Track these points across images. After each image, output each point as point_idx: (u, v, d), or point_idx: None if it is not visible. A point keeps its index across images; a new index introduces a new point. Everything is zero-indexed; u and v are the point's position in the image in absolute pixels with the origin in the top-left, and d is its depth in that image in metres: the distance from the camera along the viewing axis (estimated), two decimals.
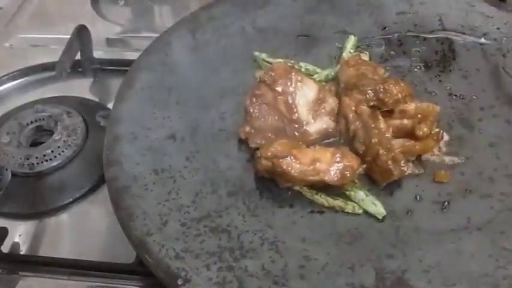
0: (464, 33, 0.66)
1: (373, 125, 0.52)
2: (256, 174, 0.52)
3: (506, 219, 0.48)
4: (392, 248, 0.46)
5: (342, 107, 0.55)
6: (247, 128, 0.55)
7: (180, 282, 0.44)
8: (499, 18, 0.67)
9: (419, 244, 0.47)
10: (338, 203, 0.50)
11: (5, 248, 0.57)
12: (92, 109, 0.70)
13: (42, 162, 0.63)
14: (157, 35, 0.68)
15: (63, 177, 0.63)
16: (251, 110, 0.55)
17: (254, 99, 0.55)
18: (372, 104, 0.53)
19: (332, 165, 0.50)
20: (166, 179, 0.52)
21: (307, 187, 0.51)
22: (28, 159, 0.63)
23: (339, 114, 0.56)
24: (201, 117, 0.58)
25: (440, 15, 0.68)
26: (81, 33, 0.75)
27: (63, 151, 0.64)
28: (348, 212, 0.49)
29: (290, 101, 0.55)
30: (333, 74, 0.61)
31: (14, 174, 0.61)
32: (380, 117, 0.53)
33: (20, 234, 0.60)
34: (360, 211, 0.49)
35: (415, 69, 0.63)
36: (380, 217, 0.49)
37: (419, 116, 0.53)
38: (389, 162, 0.50)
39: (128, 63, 0.67)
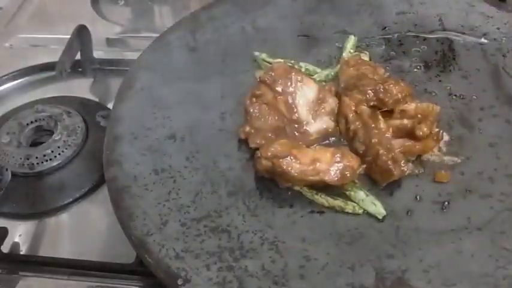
0: (464, 33, 0.66)
1: (373, 125, 0.52)
2: (256, 174, 0.52)
3: (506, 219, 0.48)
4: (392, 248, 0.46)
5: (342, 107, 0.55)
6: (247, 128, 0.55)
7: (180, 282, 0.44)
8: (499, 18, 0.67)
9: (419, 244, 0.47)
10: (338, 203, 0.50)
11: (5, 248, 0.57)
12: (92, 109, 0.70)
13: (42, 162, 0.63)
14: (157, 35, 0.68)
15: (63, 177, 0.63)
16: (251, 110, 0.55)
17: (254, 99, 0.55)
18: (372, 104, 0.53)
19: (332, 165, 0.50)
20: (166, 179, 0.52)
21: (307, 187, 0.51)
22: (28, 159, 0.63)
23: (339, 114, 0.56)
24: (201, 117, 0.58)
25: (440, 15, 0.68)
26: (81, 33, 0.75)
27: (63, 151, 0.64)
28: (348, 212, 0.49)
29: (290, 101, 0.55)
30: (333, 74, 0.61)
31: (14, 174, 0.61)
32: (380, 117, 0.53)
33: (20, 234, 0.60)
34: (360, 211, 0.49)
35: (415, 69, 0.63)
36: (380, 217, 0.49)
37: (419, 116, 0.53)
38: (389, 162, 0.50)
39: (128, 63, 0.67)
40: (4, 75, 0.78)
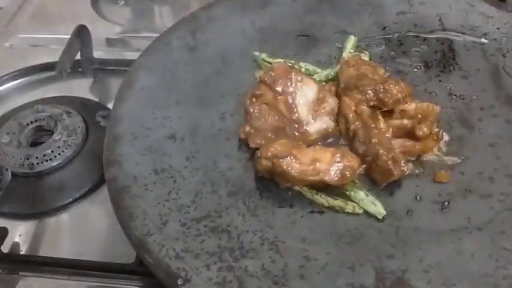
0: (464, 33, 0.66)
1: (373, 125, 0.52)
2: (256, 174, 0.52)
3: (506, 219, 0.48)
4: (392, 248, 0.46)
5: (342, 107, 0.55)
6: (247, 128, 0.55)
7: (180, 282, 0.44)
8: (499, 18, 0.67)
9: (419, 244, 0.47)
10: (338, 203, 0.50)
11: (5, 248, 0.57)
12: (92, 109, 0.70)
13: (42, 162, 0.63)
14: (157, 35, 0.68)
15: (63, 177, 0.63)
16: (251, 110, 0.55)
17: (254, 99, 0.55)
18: (372, 104, 0.53)
19: (332, 165, 0.50)
20: (166, 179, 0.52)
21: (307, 187, 0.51)
22: (28, 159, 0.63)
23: (339, 114, 0.56)
24: (201, 117, 0.58)
25: (440, 15, 0.68)
26: (81, 33, 0.75)
27: (63, 151, 0.64)
28: (348, 212, 0.49)
29: (290, 101, 0.55)
30: (333, 74, 0.61)
31: (14, 174, 0.61)
32: (380, 117, 0.53)
33: (20, 234, 0.60)
34: (360, 211, 0.49)
35: (415, 69, 0.63)
36: (380, 217, 0.49)
37: (419, 116, 0.53)
38: (390, 162, 0.50)
39: (128, 63, 0.67)
40: (4, 75, 0.78)
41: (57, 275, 0.55)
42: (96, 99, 0.74)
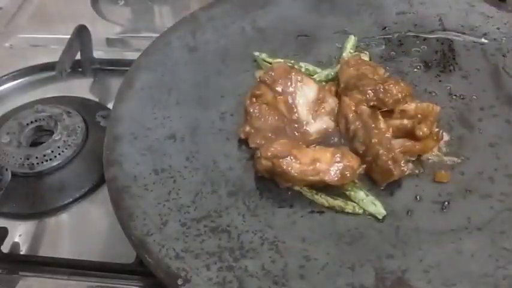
0: (464, 33, 0.66)
1: (373, 125, 0.52)
2: (256, 174, 0.52)
3: (506, 219, 0.48)
4: (392, 248, 0.46)
5: (342, 107, 0.55)
6: (247, 128, 0.55)
7: (180, 282, 0.44)
8: (499, 18, 0.67)
9: (419, 244, 0.47)
10: (338, 203, 0.50)
11: (5, 248, 0.57)
12: (92, 109, 0.70)
13: (42, 162, 0.63)
14: (157, 35, 0.68)
15: (63, 177, 0.63)
16: (251, 110, 0.55)
17: (254, 99, 0.55)
18: (372, 104, 0.53)
19: (332, 165, 0.50)
20: (166, 179, 0.52)
21: (307, 187, 0.51)
22: (28, 159, 0.63)
23: (339, 114, 0.56)
24: (201, 117, 0.58)
25: (440, 15, 0.68)
26: (81, 33, 0.75)
27: (63, 151, 0.64)
28: (348, 212, 0.49)
29: (290, 101, 0.55)
30: (333, 74, 0.61)
31: (14, 174, 0.61)
32: (380, 117, 0.53)
33: (20, 234, 0.60)
34: (360, 211, 0.49)
35: (415, 69, 0.63)
36: (380, 217, 0.49)
37: (419, 116, 0.53)
38: (390, 162, 0.50)
39: (128, 63, 0.67)
40: (4, 75, 0.78)
41: (57, 275, 0.55)
42: (96, 99, 0.74)
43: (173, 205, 0.50)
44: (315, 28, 0.68)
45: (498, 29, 0.65)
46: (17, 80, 0.78)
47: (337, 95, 0.57)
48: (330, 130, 0.55)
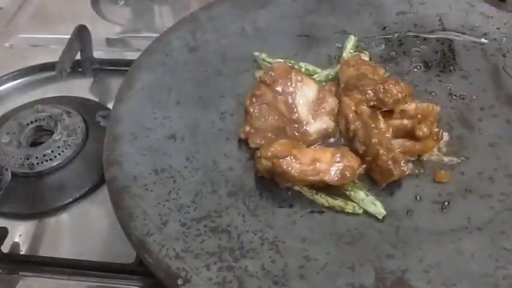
0: (464, 33, 0.66)
1: (373, 125, 0.52)
2: (256, 174, 0.52)
3: (506, 219, 0.48)
4: (392, 248, 0.46)
5: (342, 107, 0.55)
6: (247, 128, 0.55)
7: (180, 282, 0.44)
8: (499, 18, 0.67)
9: (419, 244, 0.47)
10: (338, 203, 0.50)
11: (5, 248, 0.57)
12: (92, 109, 0.70)
13: (42, 162, 0.63)
14: (157, 35, 0.68)
15: (63, 177, 0.63)
16: (251, 110, 0.55)
17: (254, 99, 0.55)
18: (372, 104, 0.53)
19: (332, 165, 0.50)
20: (166, 179, 0.52)
21: (307, 187, 0.51)
22: (28, 159, 0.63)
23: (339, 114, 0.56)
24: (201, 117, 0.58)
25: (440, 15, 0.68)
26: (81, 33, 0.75)
27: (63, 151, 0.64)
28: (348, 212, 0.49)
29: (290, 101, 0.55)
30: (333, 74, 0.61)
31: (14, 174, 0.61)
32: (380, 117, 0.53)
33: (20, 234, 0.60)
34: (360, 211, 0.49)
35: (415, 69, 0.63)
36: (380, 217, 0.49)
37: (419, 116, 0.53)
38: (390, 162, 0.50)
39: (128, 63, 0.67)
40: (4, 75, 0.78)
41: (57, 275, 0.55)
42: (96, 99, 0.74)
43: (173, 205, 0.50)
44: (315, 28, 0.68)
45: (498, 29, 0.65)
46: (17, 80, 0.78)
47: (337, 95, 0.57)
48: (330, 130, 0.55)
